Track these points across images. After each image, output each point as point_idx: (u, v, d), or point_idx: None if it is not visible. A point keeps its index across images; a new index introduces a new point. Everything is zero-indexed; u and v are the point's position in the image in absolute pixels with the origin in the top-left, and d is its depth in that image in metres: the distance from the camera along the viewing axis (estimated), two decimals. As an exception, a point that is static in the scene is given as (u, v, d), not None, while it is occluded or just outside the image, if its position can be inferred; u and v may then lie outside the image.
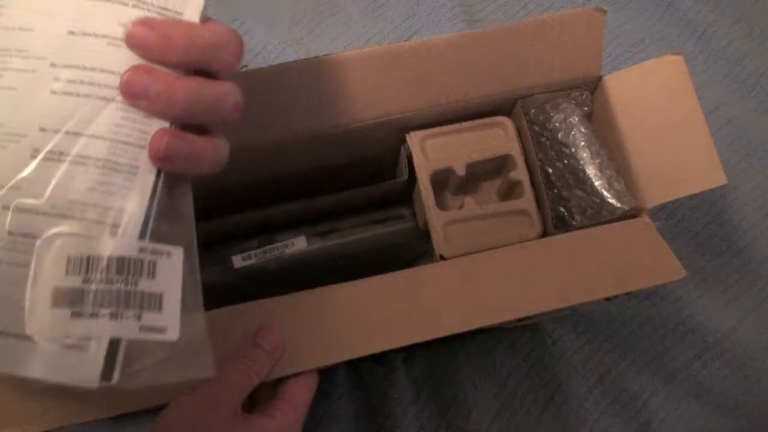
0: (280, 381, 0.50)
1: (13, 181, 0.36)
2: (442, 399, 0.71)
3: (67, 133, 0.37)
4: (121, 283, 0.36)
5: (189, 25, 0.38)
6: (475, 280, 0.52)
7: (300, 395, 0.50)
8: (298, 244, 0.61)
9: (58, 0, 0.37)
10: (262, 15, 0.87)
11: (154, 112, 0.37)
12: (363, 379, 0.71)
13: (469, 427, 0.69)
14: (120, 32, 0.37)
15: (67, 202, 0.36)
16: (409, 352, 0.72)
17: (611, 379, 0.72)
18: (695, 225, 0.77)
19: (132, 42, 0.37)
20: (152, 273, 0.37)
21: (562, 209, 0.55)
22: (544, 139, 0.57)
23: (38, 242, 0.36)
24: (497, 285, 0.52)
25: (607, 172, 0.55)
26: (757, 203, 0.77)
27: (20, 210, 0.36)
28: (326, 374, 0.67)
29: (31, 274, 0.36)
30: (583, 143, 0.56)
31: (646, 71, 0.56)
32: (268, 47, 0.85)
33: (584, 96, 0.58)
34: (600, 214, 0.54)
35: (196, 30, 0.38)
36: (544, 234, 0.56)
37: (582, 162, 0.56)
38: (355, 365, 0.71)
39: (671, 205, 0.53)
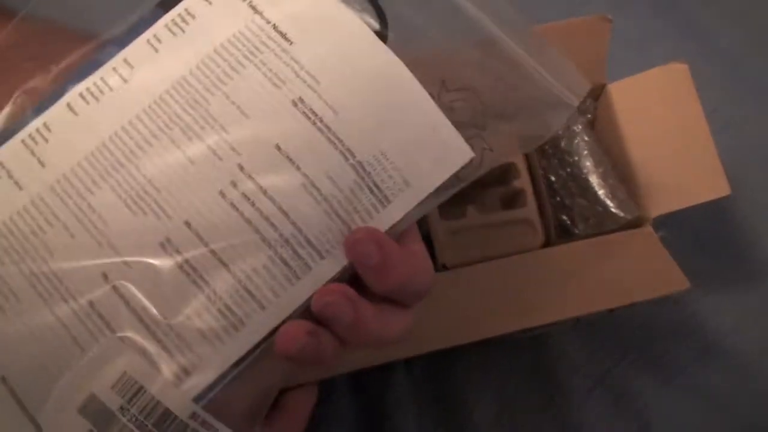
0: (280, 392, 0.50)
1: (130, 258, 0.35)
2: (442, 400, 0.71)
3: (206, 246, 0.35)
4: None
5: (409, 254, 0.37)
6: (477, 290, 0.52)
7: (299, 406, 0.50)
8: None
9: (284, 113, 0.36)
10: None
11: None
12: (362, 380, 0.71)
13: (469, 427, 0.70)
14: (322, 183, 0.36)
15: (161, 320, 0.34)
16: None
17: (611, 380, 0.72)
18: (695, 225, 0.76)
19: (351, 249, 0.35)
20: None
21: (564, 218, 0.55)
22: (547, 147, 0.57)
23: (111, 336, 0.34)
24: (499, 295, 0.52)
25: (610, 180, 0.55)
26: (757, 204, 0.77)
27: (117, 291, 0.35)
28: (326, 377, 0.67)
29: (82, 361, 0.34)
30: (586, 151, 0.56)
31: (650, 79, 0.56)
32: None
33: (587, 104, 0.58)
34: (603, 224, 0.54)
35: (411, 260, 0.37)
36: (547, 243, 0.56)
37: (585, 170, 0.56)
38: (355, 366, 0.71)
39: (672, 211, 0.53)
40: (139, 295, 0.34)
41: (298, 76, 0.37)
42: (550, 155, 0.56)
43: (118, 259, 0.35)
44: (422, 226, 0.58)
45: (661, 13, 0.85)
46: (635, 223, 0.54)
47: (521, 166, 0.57)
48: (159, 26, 0.38)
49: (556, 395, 0.71)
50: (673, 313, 0.74)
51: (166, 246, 0.35)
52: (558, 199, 0.56)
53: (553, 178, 0.56)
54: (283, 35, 0.37)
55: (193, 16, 0.38)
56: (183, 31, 0.38)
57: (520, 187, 0.57)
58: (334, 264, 0.36)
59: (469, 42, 0.42)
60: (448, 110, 0.38)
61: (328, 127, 0.36)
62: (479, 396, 0.71)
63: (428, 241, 0.56)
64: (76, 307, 0.34)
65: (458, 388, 0.71)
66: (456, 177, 0.38)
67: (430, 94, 0.38)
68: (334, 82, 0.37)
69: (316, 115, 0.36)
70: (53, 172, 0.36)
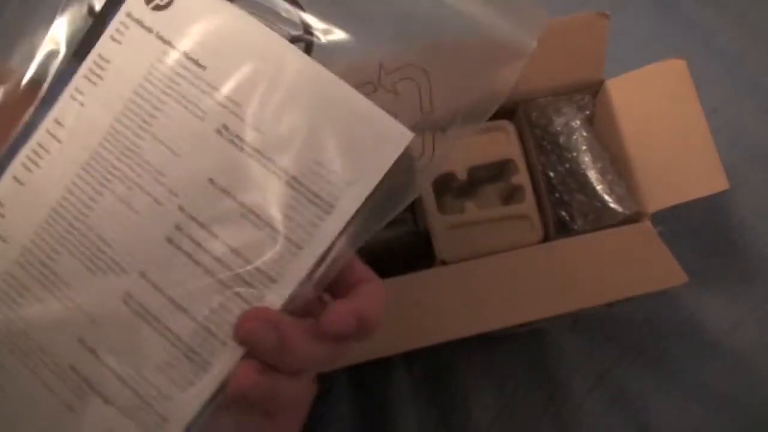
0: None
1: (94, 317, 0.36)
2: (442, 399, 0.71)
3: (164, 294, 0.35)
4: None
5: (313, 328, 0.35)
6: (476, 285, 0.52)
7: (298, 401, 0.50)
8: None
9: (211, 144, 0.36)
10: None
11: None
12: (363, 378, 0.71)
13: (469, 427, 0.69)
14: (260, 207, 0.35)
15: (134, 372, 0.35)
16: (409, 352, 0.72)
17: (611, 379, 0.72)
18: (695, 224, 0.76)
19: (243, 338, 0.34)
20: None
21: (563, 213, 0.55)
22: (545, 143, 0.57)
23: (92, 396, 0.35)
24: (498, 290, 0.52)
25: (609, 176, 0.55)
26: (757, 204, 0.77)
27: (94, 353, 0.35)
28: (325, 374, 0.67)
29: (70, 419, 0.35)
30: (584, 147, 0.56)
31: (648, 75, 0.56)
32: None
33: (586, 100, 0.58)
34: (601, 219, 0.54)
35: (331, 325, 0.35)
36: (546, 238, 0.56)
37: (584, 166, 0.56)
38: (354, 366, 0.71)
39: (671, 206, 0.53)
40: (113, 354, 0.35)
41: (217, 102, 0.36)
42: (548, 151, 0.57)
43: (87, 322, 0.35)
44: (421, 222, 0.59)
45: (661, 13, 0.85)
46: (634, 219, 0.54)
47: (520, 161, 0.57)
48: (78, 78, 0.38)
49: (556, 395, 0.71)
50: (673, 312, 0.74)
51: (127, 300, 0.35)
52: (557, 194, 0.56)
53: (551, 174, 0.56)
54: (196, 62, 0.37)
55: (108, 61, 0.38)
56: (101, 78, 0.37)
57: (519, 182, 0.57)
58: (284, 288, 0.35)
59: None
60: (392, 93, 0.38)
61: (256, 150, 0.35)
62: (479, 396, 0.70)
63: (427, 236, 0.56)
64: (60, 373, 0.35)
65: (458, 388, 0.71)
66: (410, 170, 0.37)
67: (369, 82, 0.38)
68: (254, 102, 0.36)
69: (242, 139, 0.36)
70: (15, 246, 0.37)
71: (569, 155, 0.56)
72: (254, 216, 0.35)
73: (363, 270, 0.39)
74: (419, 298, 0.51)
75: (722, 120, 0.78)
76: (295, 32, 0.38)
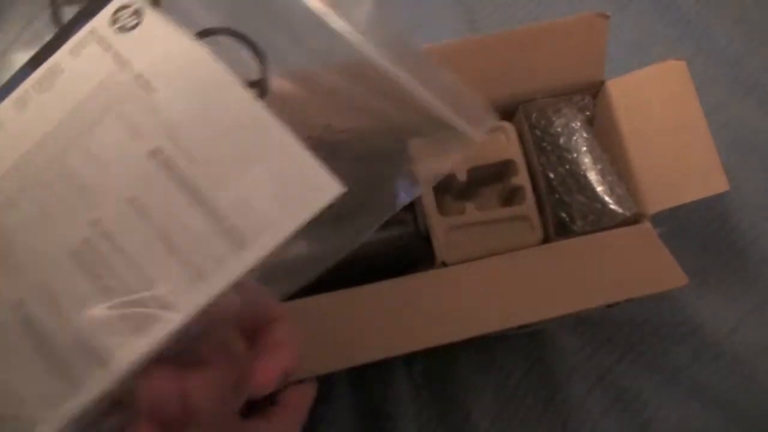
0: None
1: None
2: (441, 399, 0.71)
3: (54, 305, 0.34)
4: None
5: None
6: (476, 286, 0.52)
7: (298, 401, 0.50)
8: (298, 248, 0.61)
9: (139, 164, 0.36)
10: (261, 14, 0.87)
11: None
12: (363, 379, 0.71)
13: (469, 427, 0.70)
14: (175, 233, 0.35)
15: (4, 386, 0.34)
16: (410, 352, 0.72)
17: (611, 379, 0.72)
18: (695, 225, 0.77)
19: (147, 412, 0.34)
20: None
21: (563, 214, 0.55)
22: (545, 143, 0.57)
23: None
24: (498, 292, 0.52)
25: (609, 177, 0.55)
26: (757, 204, 0.77)
27: None
28: (326, 375, 0.67)
29: None
30: (584, 148, 0.56)
31: (648, 76, 0.56)
32: (267, 47, 0.85)
33: (586, 101, 0.58)
34: (601, 220, 0.54)
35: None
36: (546, 239, 0.56)
37: (584, 167, 0.56)
38: (354, 366, 0.71)
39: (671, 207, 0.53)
40: None
41: (156, 125, 0.36)
42: (548, 152, 0.56)
43: None
44: (421, 223, 0.59)
45: (661, 13, 0.85)
46: (634, 220, 0.54)
47: (520, 162, 0.57)
48: (28, 84, 0.38)
49: (556, 395, 0.71)
50: (673, 313, 0.74)
51: (17, 309, 0.35)
52: (557, 195, 0.56)
53: (551, 175, 0.56)
54: (147, 84, 0.36)
55: (63, 71, 0.38)
56: (52, 87, 0.38)
57: (519, 184, 0.57)
58: (184, 315, 0.34)
59: (356, 76, 0.42)
60: (330, 149, 0.38)
61: (184, 177, 0.35)
62: (479, 396, 0.71)
63: (427, 238, 0.56)
64: None
65: (458, 388, 0.71)
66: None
67: (311, 136, 0.38)
68: (194, 131, 0.36)
69: (172, 165, 0.35)
70: None
71: (569, 156, 0.56)
72: (166, 241, 0.35)
73: (277, 308, 0.40)
74: (419, 300, 0.51)
75: (722, 120, 0.78)
76: (252, 78, 0.40)
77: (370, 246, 0.63)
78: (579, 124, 0.56)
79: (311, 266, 0.40)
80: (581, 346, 0.73)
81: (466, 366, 0.72)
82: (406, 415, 0.69)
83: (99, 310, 0.34)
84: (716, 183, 0.54)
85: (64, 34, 0.38)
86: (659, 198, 0.54)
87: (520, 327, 0.54)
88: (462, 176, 0.56)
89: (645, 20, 0.85)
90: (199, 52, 0.37)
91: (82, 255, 0.34)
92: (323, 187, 0.35)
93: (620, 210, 0.54)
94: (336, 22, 0.41)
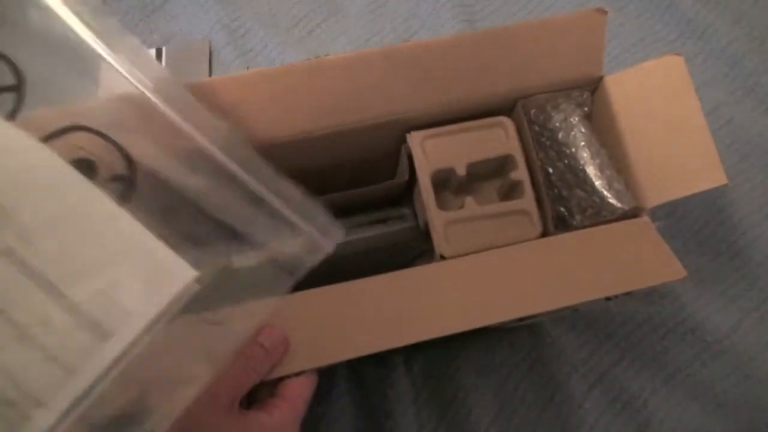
0: (280, 380, 0.50)
1: None
2: (442, 399, 0.71)
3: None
4: None
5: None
6: (475, 280, 0.52)
7: (298, 393, 0.50)
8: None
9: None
10: (262, 15, 0.87)
11: None
12: (363, 378, 0.71)
13: (469, 427, 0.69)
14: (37, 331, 0.36)
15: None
16: (409, 351, 0.72)
17: (611, 379, 0.72)
18: (695, 224, 0.77)
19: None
20: None
21: (562, 209, 0.55)
22: (544, 139, 0.57)
23: None
24: (497, 285, 0.52)
25: (608, 172, 0.55)
26: (756, 203, 0.77)
27: None
28: (326, 373, 0.67)
29: None
30: (583, 143, 0.56)
31: (646, 72, 0.56)
32: (268, 47, 0.85)
33: (584, 96, 0.58)
34: (600, 214, 0.54)
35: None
36: (545, 234, 0.56)
37: (582, 162, 0.56)
38: (355, 365, 0.71)
39: (670, 204, 0.53)
40: None
41: (8, 227, 0.36)
42: (547, 147, 0.57)
43: None
44: (420, 217, 0.59)
45: (661, 12, 0.85)
46: (632, 214, 0.54)
47: (519, 158, 0.57)
48: None
49: (556, 395, 0.71)
50: (673, 312, 0.74)
51: None
52: (555, 190, 0.56)
53: (550, 170, 0.56)
54: None
55: None
56: None
57: (518, 178, 0.57)
58: (52, 412, 0.35)
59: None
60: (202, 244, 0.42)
61: (40, 275, 0.36)
62: (479, 395, 0.71)
63: (426, 232, 0.57)
64: None
65: (458, 387, 0.71)
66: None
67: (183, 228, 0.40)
68: (45, 231, 0.37)
69: (26, 264, 0.36)
70: None
71: (568, 151, 0.56)
72: (29, 339, 0.35)
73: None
74: (419, 293, 0.51)
75: (722, 119, 0.79)
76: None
77: (370, 240, 0.63)
78: (577, 119, 0.57)
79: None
80: (581, 346, 0.73)
81: (466, 366, 0.72)
82: (406, 414, 0.69)
83: None
84: (714, 177, 0.54)
85: None
86: (657, 192, 0.54)
87: (520, 320, 0.54)
88: (461, 171, 0.56)
89: (645, 20, 0.85)
90: (42, 154, 0.38)
91: None
92: (178, 274, 0.37)
93: (619, 204, 0.54)
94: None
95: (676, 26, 0.84)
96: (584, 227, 0.54)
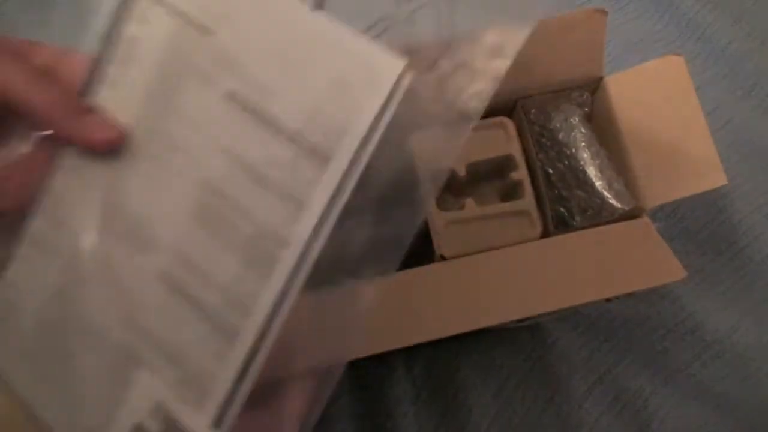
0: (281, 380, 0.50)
1: (134, 296, 0.38)
2: (442, 399, 0.71)
3: (192, 267, 0.37)
4: None
5: None
6: (475, 280, 0.52)
7: (299, 394, 0.50)
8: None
9: (222, 112, 0.37)
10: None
11: None
12: (363, 378, 0.71)
13: (469, 427, 0.69)
14: (267, 170, 0.36)
15: (177, 347, 0.37)
16: (409, 352, 0.72)
17: (611, 379, 0.72)
18: (694, 225, 0.77)
19: None
20: None
21: (562, 209, 0.55)
22: (544, 139, 0.57)
23: (138, 370, 0.37)
24: (497, 285, 0.52)
25: (608, 172, 0.55)
26: (756, 203, 0.77)
27: (133, 328, 0.37)
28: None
29: (121, 395, 0.37)
30: (583, 144, 0.56)
31: (646, 72, 0.56)
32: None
33: (584, 96, 0.58)
34: (600, 215, 0.55)
35: None
36: (545, 234, 0.56)
37: (582, 162, 0.56)
38: (355, 365, 0.71)
39: (670, 205, 0.53)
40: (157, 330, 0.37)
41: (224, 68, 0.37)
42: (547, 147, 0.57)
43: (129, 302, 0.38)
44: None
45: (661, 13, 0.85)
46: (632, 214, 0.55)
47: (519, 158, 0.57)
48: (108, 63, 0.39)
49: (556, 395, 0.71)
50: (673, 312, 0.74)
51: (164, 278, 0.37)
52: (556, 191, 0.56)
53: (550, 171, 0.56)
54: (206, 29, 0.37)
55: (136, 40, 0.39)
56: (132, 59, 0.39)
57: (518, 179, 0.57)
58: (296, 248, 0.35)
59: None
60: (409, 23, 0.39)
61: (261, 111, 0.36)
62: (479, 395, 0.71)
63: (426, 232, 0.56)
64: (111, 350, 0.38)
65: (458, 387, 0.71)
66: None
67: (383, 18, 0.39)
68: (259, 61, 0.36)
69: (248, 102, 0.36)
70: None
71: (568, 152, 0.56)
72: (263, 179, 0.36)
73: None
74: (419, 294, 0.51)
75: (722, 120, 0.79)
76: None
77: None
78: (577, 119, 0.57)
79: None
80: (581, 346, 0.73)
81: (466, 366, 0.71)
82: (406, 414, 0.69)
83: (233, 265, 0.36)
84: (714, 177, 0.54)
85: (123, 4, 0.39)
86: (657, 192, 0.55)
87: (520, 321, 0.54)
88: (461, 171, 0.56)
89: (645, 20, 0.85)
90: None
91: (202, 216, 0.37)
92: (385, 68, 0.35)
93: (619, 205, 0.54)
94: None
95: (676, 26, 0.84)
96: (584, 228, 0.54)
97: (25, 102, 0.37)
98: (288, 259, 0.35)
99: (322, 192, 0.35)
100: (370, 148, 0.35)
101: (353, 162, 0.35)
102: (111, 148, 0.38)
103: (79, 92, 0.39)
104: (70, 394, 0.38)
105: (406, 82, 0.35)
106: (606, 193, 0.55)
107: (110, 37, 0.39)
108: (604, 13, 0.56)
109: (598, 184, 0.55)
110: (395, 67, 0.34)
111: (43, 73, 0.38)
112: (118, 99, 0.39)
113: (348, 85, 0.35)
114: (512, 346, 0.72)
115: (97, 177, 0.38)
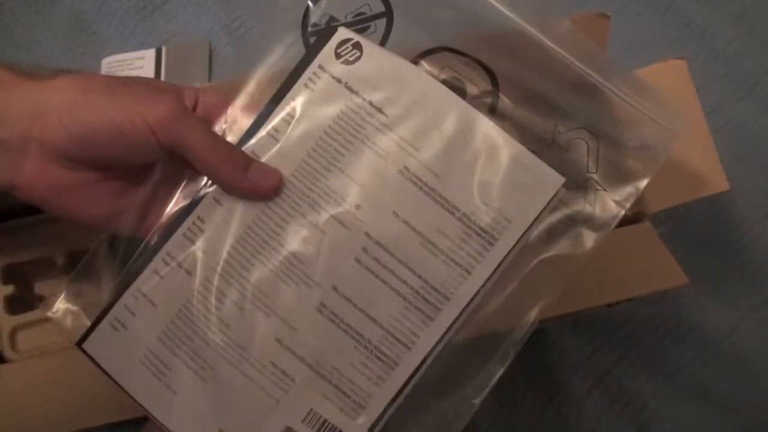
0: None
1: (291, 322, 0.43)
2: (442, 399, 0.71)
3: (354, 305, 0.43)
4: None
5: None
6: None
7: None
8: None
9: (394, 182, 0.43)
10: (263, 15, 0.87)
11: None
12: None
13: (469, 426, 0.69)
14: (436, 238, 0.43)
15: (330, 366, 0.43)
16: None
17: (611, 379, 0.72)
18: (695, 225, 0.77)
19: None
20: None
21: (563, 214, 0.55)
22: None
23: (293, 384, 0.42)
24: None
25: (609, 176, 0.55)
26: (756, 203, 0.77)
27: (287, 349, 0.43)
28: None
29: (275, 404, 0.43)
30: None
31: (648, 76, 0.56)
32: (268, 46, 0.85)
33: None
34: (602, 220, 0.54)
35: None
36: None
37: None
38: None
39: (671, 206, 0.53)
40: (309, 350, 0.43)
41: (398, 145, 0.43)
42: (549, 152, 0.57)
43: (284, 326, 0.43)
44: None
45: (661, 13, 0.85)
46: (634, 219, 0.54)
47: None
48: (276, 119, 0.45)
49: (556, 395, 0.71)
50: (673, 313, 0.74)
51: (321, 309, 0.43)
52: (557, 195, 0.56)
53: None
54: (379, 110, 0.44)
55: (301, 106, 0.44)
56: (293, 118, 0.44)
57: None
58: (460, 306, 0.43)
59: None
60: (563, 150, 0.47)
61: (433, 189, 0.43)
62: (479, 395, 0.71)
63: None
64: (262, 368, 0.43)
65: (458, 388, 0.71)
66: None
67: (543, 138, 0.46)
68: (430, 147, 0.43)
69: (421, 180, 0.43)
70: (214, 258, 0.44)
71: (569, 155, 0.56)
72: (431, 245, 0.43)
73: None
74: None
75: (722, 120, 0.78)
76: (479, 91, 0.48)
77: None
78: (579, 123, 0.57)
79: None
80: (581, 346, 0.73)
81: (466, 366, 0.72)
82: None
83: (396, 308, 0.43)
84: (716, 183, 0.54)
85: (296, 73, 0.45)
86: (659, 198, 0.54)
87: (521, 326, 0.54)
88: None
89: (645, 20, 0.85)
90: (413, 72, 0.45)
91: (365, 263, 0.43)
92: (547, 182, 0.43)
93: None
94: None
95: (676, 26, 0.84)
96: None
97: (204, 162, 0.43)
98: (451, 311, 0.43)
99: (487, 264, 0.43)
100: (527, 238, 0.43)
101: (514, 247, 0.43)
102: (272, 194, 0.44)
103: (240, 142, 0.45)
104: (216, 405, 0.43)
105: (561, 194, 0.43)
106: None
107: (278, 96, 0.45)
108: (606, 17, 0.56)
109: (599, 188, 0.55)
110: (558, 181, 0.43)
111: (215, 134, 0.45)
112: (277, 150, 0.44)
113: (518, 186, 0.43)
114: (512, 346, 0.73)
115: (250, 213, 0.44)
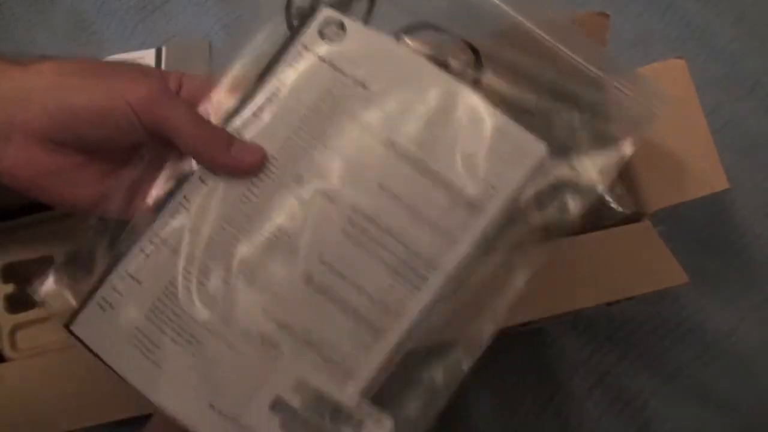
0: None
1: (277, 294, 0.43)
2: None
3: (338, 274, 0.43)
4: (328, 422, 0.42)
5: None
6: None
7: None
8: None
9: (379, 155, 0.44)
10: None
11: None
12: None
13: (470, 426, 0.70)
14: (422, 209, 0.43)
15: (318, 336, 0.42)
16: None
17: (611, 379, 0.72)
18: (695, 225, 0.77)
19: None
20: (358, 429, 0.42)
21: (563, 213, 0.55)
22: (545, 142, 0.57)
23: (281, 356, 0.42)
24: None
25: (609, 176, 0.55)
26: (757, 203, 0.77)
27: (274, 320, 0.43)
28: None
29: (264, 375, 0.42)
30: (584, 147, 0.56)
31: (648, 75, 0.56)
32: (267, 46, 0.85)
33: (585, 99, 0.58)
34: (601, 219, 0.54)
35: None
36: (546, 238, 0.56)
37: (583, 166, 0.56)
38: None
39: (671, 204, 0.53)
40: (296, 321, 0.43)
41: (382, 120, 0.44)
42: (548, 151, 0.57)
43: (271, 298, 0.43)
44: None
45: (661, 13, 0.85)
46: (633, 218, 0.54)
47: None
48: (259, 99, 0.45)
49: (556, 395, 0.71)
50: (673, 313, 0.74)
51: (308, 280, 0.43)
52: (556, 194, 0.56)
53: (551, 173, 0.56)
54: (363, 85, 0.44)
55: (285, 84, 0.45)
56: (277, 97, 0.44)
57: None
58: (446, 273, 0.43)
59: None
60: (545, 120, 0.46)
61: (418, 161, 0.43)
62: (479, 394, 0.71)
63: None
64: (249, 341, 0.43)
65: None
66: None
67: (526, 109, 0.46)
68: (414, 120, 0.44)
69: (406, 152, 0.43)
70: (200, 235, 0.44)
71: (569, 154, 0.56)
72: (417, 215, 0.43)
73: None
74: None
75: (722, 120, 0.79)
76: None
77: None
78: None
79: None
80: (581, 346, 0.73)
81: (465, 366, 0.72)
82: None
83: (383, 277, 0.43)
84: (716, 182, 0.54)
85: (281, 52, 0.45)
86: (659, 196, 0.54)
87: (522, 325, 0.54)
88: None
89: (645, 20, 0.85)
90: (397, 48, 0.46)
91: (352, 235, 0.43)
92: (532, 149, 0.44)
93: (620, 208, 0.54)
94: None
95: (676, 26, 0.84)
96: (585, 232, 0.54)
97: (188, 142, 0.43)
98: (437, 279, 0.43)
99: (473, 233, 0.43)
100: (512, 207, 0.43)
101: (499, 215, 0.43)
102: (255, 170, 0.44)
103: (224, 120, 0.45)
104: (206, 380, 0.43)
105: (545, 162, 0.44)
106: (607, 197, 0.54)
107: (262, 77, 0.45)
108: (606, 16, 0.56)
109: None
110: (541, 149, 0.44)
111: (198, 113, 0.44)
112: (262, 128, 0.44)
113: (502, 155, 0.43)
114: (512, 345, 0.73)
115: (235, 190, 0.44)
